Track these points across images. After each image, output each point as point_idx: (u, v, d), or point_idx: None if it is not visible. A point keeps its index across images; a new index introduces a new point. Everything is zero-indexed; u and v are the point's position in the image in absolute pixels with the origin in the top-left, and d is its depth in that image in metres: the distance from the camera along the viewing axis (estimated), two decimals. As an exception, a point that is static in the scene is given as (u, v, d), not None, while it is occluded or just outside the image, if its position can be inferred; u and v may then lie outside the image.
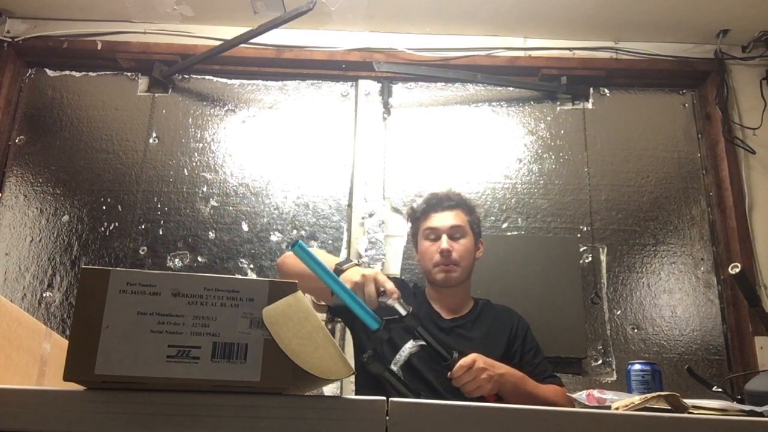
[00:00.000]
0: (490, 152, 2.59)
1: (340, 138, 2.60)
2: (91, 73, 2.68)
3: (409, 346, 1.38)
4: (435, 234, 1.73)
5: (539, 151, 2.60)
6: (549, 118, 2.65)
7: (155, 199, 2.50)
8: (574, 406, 1.40)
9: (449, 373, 1.35)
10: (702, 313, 2.41)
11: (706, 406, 0.93)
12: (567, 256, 2.40)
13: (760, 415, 0.91)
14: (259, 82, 2.68)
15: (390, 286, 1.27)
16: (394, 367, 1.35)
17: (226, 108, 2.64)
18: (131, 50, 2.62)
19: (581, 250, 2.45)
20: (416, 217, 1.81)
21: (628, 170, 2.58)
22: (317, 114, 2.64)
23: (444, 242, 1.69)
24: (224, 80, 2.67)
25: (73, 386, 0.74)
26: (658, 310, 2.41)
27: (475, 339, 1.65)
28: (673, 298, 2.42)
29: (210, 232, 2.46)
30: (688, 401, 0.93)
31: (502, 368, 1.42)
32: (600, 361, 2.34)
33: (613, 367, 2.33)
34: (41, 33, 2.62)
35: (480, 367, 1.35)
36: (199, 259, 2.43)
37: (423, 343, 1.36)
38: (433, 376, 1.54)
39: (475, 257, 1.79)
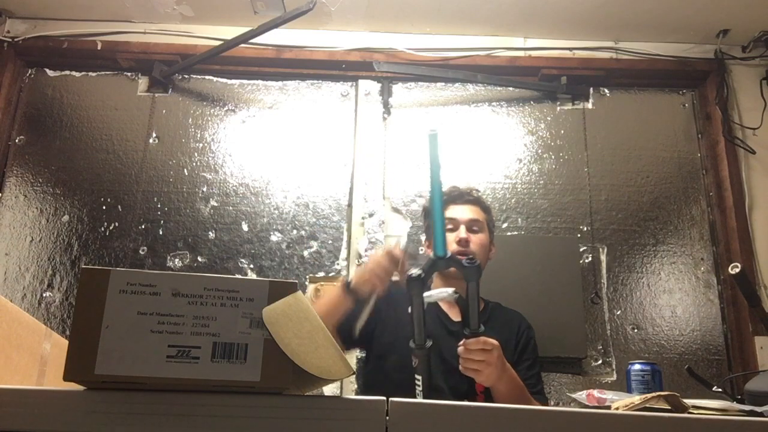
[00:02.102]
0: (490, 152, 2.59)
1: (340, 138, 2.60)
2: (91, 73, 2.68)
3: (448, 291, 1.34)
4: (453, 224, 1.69)
5: (539, 151, 2.60)
6: (549, 118, 2.65)
7: (155, 199, 2.50)
8: None
9: (464, 340, 1.31)
10: (702, 313, 2.41)
11: (706, 406, 0.93)
12: (567, 256, 2.40)
13: (760, 415, 0.91)
14: (259, 82, 2.68)
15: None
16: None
17: (226, 108, 2.64)
18: (131, 50, 2.62)
19: (581, 250, 2.45)
20: None
21: (628, 170, 2.58)
22: (317, 114, 2.64)
23: (462, 232, 1.67)
24: (224, 80, 2.67)
25: (73, 386, 0.74)
26: (658, 310, 2.41)
27: None
28: (673, 298, 2.42)
29: (210, 232, 2.46)
30: (688, 401, 0.93)
31: (509, 371, 1.40)
32: (600, 361, 2.34)
33: (613, 367, 2.33)
34: (41, 33, 2.62)
35: (494, 357, 1.32)
36: (199, 259, 2.43)
37: (457, 295, 1.32)
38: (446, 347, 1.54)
39: (488, 256, 1.76)
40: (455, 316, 1.71)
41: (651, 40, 2.68)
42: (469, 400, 1.49)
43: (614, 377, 2.31)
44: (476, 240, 1.69)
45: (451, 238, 1.67)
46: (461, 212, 1.71)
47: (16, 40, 2.61)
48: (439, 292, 1.34)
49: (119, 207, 2.49)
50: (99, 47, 2.62)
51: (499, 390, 1.40)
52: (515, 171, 2.57)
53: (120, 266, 2.29)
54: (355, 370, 2.19)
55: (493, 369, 1.33)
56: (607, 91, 2.70)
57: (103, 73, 2.68)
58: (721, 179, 2.53)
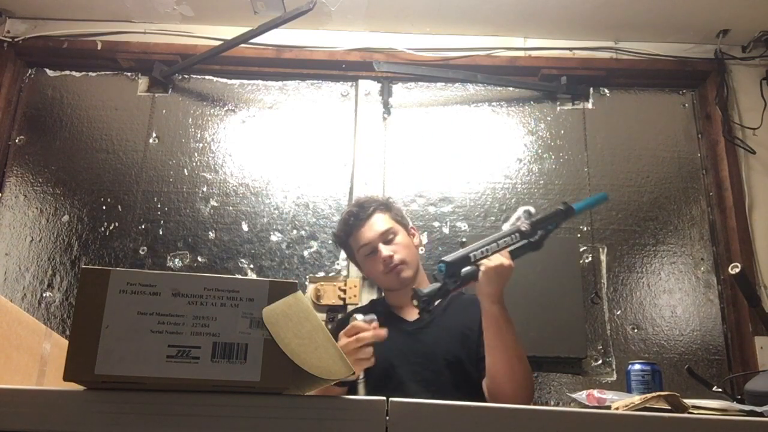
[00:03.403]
0: (490, 152, 2.59)
1: (340, 138, 2.60)
2: (91, 73, 2.68)
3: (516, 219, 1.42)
4: (370, 248, 1.67)
5: (539, 151, 2.60)
6: (549, 118, 2.65)
7: (155, 199, 2.50)
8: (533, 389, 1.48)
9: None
10: (702, 313, 2.41)
11: (706, 406, 0.93)
12: (567, 256, 2.40)
13: (760, 415, 0.91)
14: (259, 82, 2.68)
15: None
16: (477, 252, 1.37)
17: (226, 108, 2.64)
18: (131, 50, 2.62)
19: (581, 250, 2.45)
20: (343, 241, 1.75)
21: (628, 170, 2.58)
22: (317, 114, 2.64)
23: (384, 251, 1.64)
24: (224, 80, 2.67)
25: (73, 386, 0.74)
26: (658, 310, 2.41)
27: (448, 332, 1.60)
28: (673, 298, 2.42)
29: (210, 232, 2.46)
30: (688, 401, 0.93)
31: (499, 304, 1.41)
32: (600, 361, 2.34)
33: (613, 367, 2.33)
34: (41, 33, 2.62)
35: (497, 283, 1.37)
36: (199, 259, 2.43)
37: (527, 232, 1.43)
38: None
39: (416, 247, 1.74)
40: (410, 316, 1.68)
41: (651, 40, 2.68)
42: (446, 393, 1.49)
43: (614, 377, 2.31)
44: (398, 248, 1.66)
45: (377, 262, 1.65)
46: (368, 232, 1.67)
47: (16, 40, 2.60)
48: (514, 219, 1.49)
49: (119, 207, 2.49)
50: (99, 47, 2.62)
51: (494, 313, 1.39)
52: (515, 171, 2.57)
53: (120, 266, 2.29)
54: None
55: (501, 280, 1.37)
56: (607, 91, 2.70)
57: (103, 73, 2.68)
58: (721, 179, 2.53)
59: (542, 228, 1.45)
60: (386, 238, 1.67)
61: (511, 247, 1.41)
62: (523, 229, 1.42)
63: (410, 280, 1.65)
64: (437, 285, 1.34)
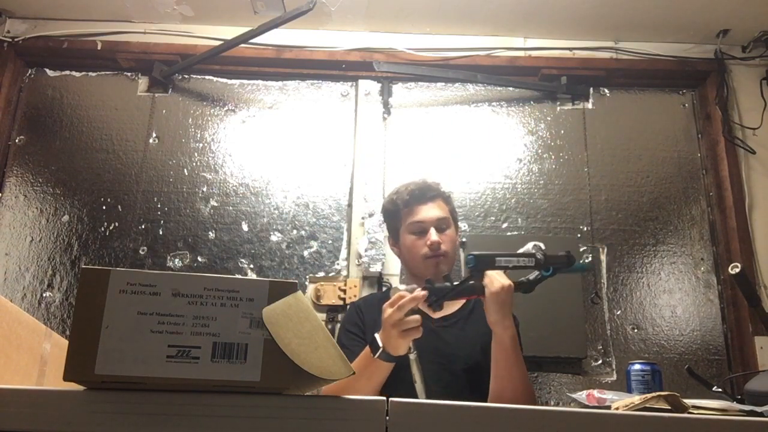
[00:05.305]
0: (490, 152, 2.59)
1: (340, 138, 2.60)
2: (91, 73, 2.68)
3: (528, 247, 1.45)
4: (421, 228, 1.66)
5: (539, 151, 2.60)
6: (549, 118, 2.65)
7: (155, 199, 2.50)
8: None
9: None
10: (702, 313, 2.41)
11: (706, 406, 0.93)
12: (567, 256, 2.40)
13: (760, 415, 0.91)
14: (259, 82, 2.68)
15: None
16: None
17: (226, 108, 2.64)
18: (131, 50, 2.62)
19: (581, 250, 2.45)
20: (397, 209, 1.73)
21: (628, 170, 2.58)
22: (317, 114, 2.64)
23: (433, 235, 1.63)
24: (224, 80, 2.67)
25: (73, 386, 0.74)
26: (658, 310, 2.41)
27: (471, 336, 1.59)
28: (673, 298, 2.42)
29: (210, 232, 2.46)
30: (688, 401, 0.93)
31: (510, 330, 1.43)
32: (600, 361, 2.34)
33: (613, 367, 2.33)
34: (41, 33, 2.62)
35: (507, 307, 1.41)
36: (199, 259, 2.43)
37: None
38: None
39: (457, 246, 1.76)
40: (434, 313, 1.67)
41: (651, 40, 2.68)
42: (463, 398, 1.47)
43: (614, 377, 2.32)
44: (446, 239, 1.66)
45: (421, 243, 1.65)
46: (427, 212, 1.67)
47: (16, 40, 2.61)
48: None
49: (119, 207, 2.49)
50: (99, 47, 2.62)
51: (506, 343, 1.40)
52: (515, 171, 2.57)
53: (120, 266, 2.29)
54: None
55: (507, 302, 1.41)
56: (607, 91, 2.70)
57: (103, 73, 2.68)
58: (721, 179, 2.53)
59: (552, 264, 1.44)
60: (440, 225, 1.67)
61: (526, 274, 1.45)
62: (539, 257, 1.41)
63: (445, 273, 1.62)
64: (455, 283, 1.36)
